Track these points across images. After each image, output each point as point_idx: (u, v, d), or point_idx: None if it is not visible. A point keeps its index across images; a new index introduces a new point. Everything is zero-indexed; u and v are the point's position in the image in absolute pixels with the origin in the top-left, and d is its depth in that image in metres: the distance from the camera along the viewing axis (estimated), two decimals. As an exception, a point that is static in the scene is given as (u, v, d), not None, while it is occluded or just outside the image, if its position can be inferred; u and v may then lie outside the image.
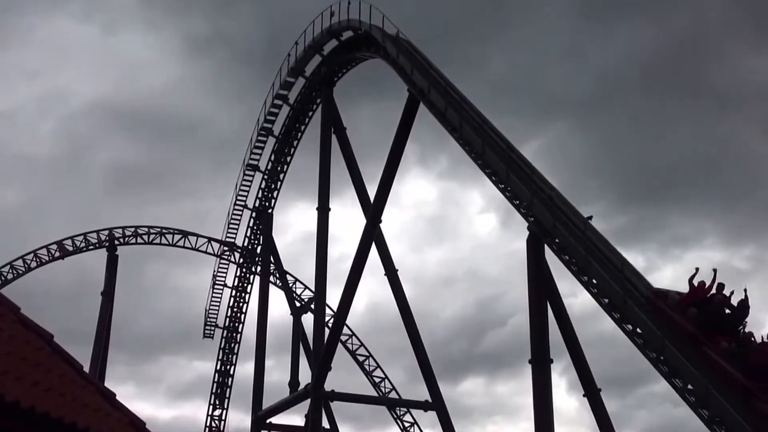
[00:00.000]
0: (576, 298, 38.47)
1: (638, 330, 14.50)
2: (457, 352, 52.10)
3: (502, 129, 20.38)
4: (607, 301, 15.32)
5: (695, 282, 14.50)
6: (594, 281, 15.63)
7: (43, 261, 34.94)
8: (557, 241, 16.57)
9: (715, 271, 14.21)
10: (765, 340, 13.55)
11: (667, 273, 50.89)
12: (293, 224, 57.21)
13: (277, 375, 38.85)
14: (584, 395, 17.72)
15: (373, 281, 26.33)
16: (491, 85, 49.53)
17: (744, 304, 13.96)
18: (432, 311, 53.08)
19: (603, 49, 49.99)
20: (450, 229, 59.85)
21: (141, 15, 58.85)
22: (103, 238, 35.19)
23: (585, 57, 51.44)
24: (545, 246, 17.01)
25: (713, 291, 14.23)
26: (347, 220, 49.04)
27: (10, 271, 34.54)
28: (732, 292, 14.19)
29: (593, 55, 50.70)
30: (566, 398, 48.23)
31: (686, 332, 13.63)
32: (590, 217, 17.95)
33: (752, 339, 13.60)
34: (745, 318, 13.81)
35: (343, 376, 31.74)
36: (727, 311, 14.10)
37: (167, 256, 48.02)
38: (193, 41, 57.48)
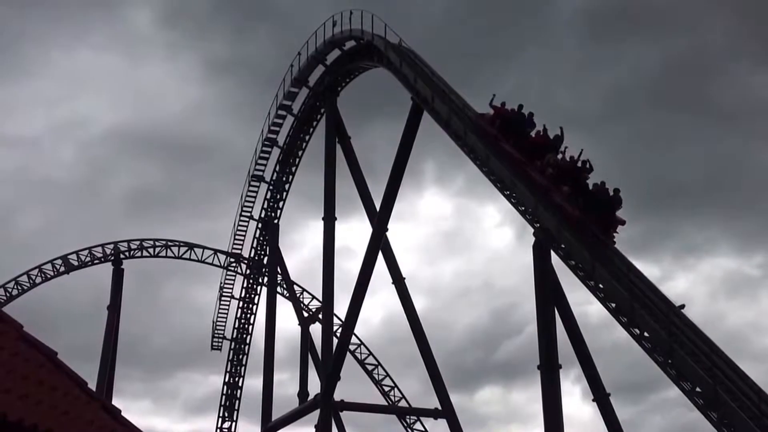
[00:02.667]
0: (591, 305, 38.51)
1: (645, 334, 14.47)
2: (473, 361, 52.51)
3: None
4: (614, 305, 15.27)
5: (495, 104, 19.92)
6: (600, 286, 15.58)
7: (48, 276, 34.87)
8: (563, 246, 16.53)
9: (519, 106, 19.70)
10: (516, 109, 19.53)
11: (681, 283, 51.56)
12: (309, 238, 57.62)
13: (287, 386, 39.01)
14: (594, 400, 17.72)
15: (389, 293, 26.55)
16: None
17: (531, 119, 19.39)
18: (448, 322, 53.55)
19: (611, 68, 50.68)
20: (466, 242, 60.60)
21: (160, 40, 59.77)
22: (108, 252, 35.20)
23: (594, 75, 52.00)
24: (551, 252, 16.98)
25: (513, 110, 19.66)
26: (363, 233, 49.44)
27: (15, 287, 34.53)
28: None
29: (602, 73, 51.28)
30: (580, 405, 48.26)
31: (490, 134, 19.38)
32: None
33: (531, 136, 19.09)
34: (533, 127, 19.24)
35: (352, 385, 31.76)
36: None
37: (183, 272, 48.60)
38: (211, 65, 58.32)
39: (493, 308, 56.89)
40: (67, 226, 55.30)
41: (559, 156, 18.11)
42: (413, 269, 58.42)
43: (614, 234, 17.18)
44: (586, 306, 38.82)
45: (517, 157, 18.45)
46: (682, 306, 15.60)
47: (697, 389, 13.42)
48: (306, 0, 52.25)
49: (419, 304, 26.56)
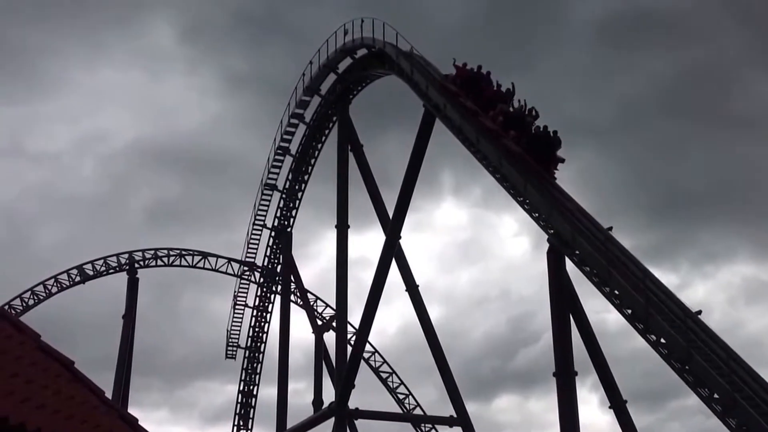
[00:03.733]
0: (609, 313, 38.56)
1: (662, 340, 14.36)
2: (490, 369, 52.57)
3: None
4: (630, 311, 15.17)
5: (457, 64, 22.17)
6: (616, 292, 15.49)
7: (64, 286, 35.13)
8: (577, 252, 16.45)
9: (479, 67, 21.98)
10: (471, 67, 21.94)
11: (699, 290, 51.51)
12: (325, 248, 57.88)
13: (301, 394, 39.09)
14: (610, 407, 17.60)
15: (405, 302, 26.63)
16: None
17: (488, 77, 21.59)
18: (466, 330, 53.72)
19: (625, 77, 50.64)
20: (483, 252, 60.93)
21: (180, 55, 60.68)
22: (123, 261, 35.41)
23: (607, 84, 51.96)
24: (566, 258, 16.90)
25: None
26: (380, 244, 49.73)
27: (32, 296, 34.77)
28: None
29: (615, 82, 51.26)
30: (598, 413, 48.13)
31: (452, 92, 21.28)
32: (610, 228, 17.83)
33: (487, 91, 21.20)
34: (489, 84, 21.39)
35: (367, 394, 31.72)
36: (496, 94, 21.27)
37: (199, 281, 48.94)
38: (230, 79, 58.97)
39: (510, 316, 57.07)
40: (88, 239, 56.09)
41: (511, 109, 20.51)
42: (431, 279, 58.66)
43: (555, 170, 19.42)
44: (603, 314, 38.75)
45: (473, 109, 20.53)
46: (699, 312, 15.50)
47: (715, 395, 13.31)
48: (322, 12, 52.55)
49: (437, 312, 26.78)
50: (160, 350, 50.18)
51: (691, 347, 13.81)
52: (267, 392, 35.26)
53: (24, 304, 34.48)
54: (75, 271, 35.16)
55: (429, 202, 56.08)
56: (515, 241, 60.63)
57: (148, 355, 39.89)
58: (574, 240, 16.34)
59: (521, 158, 18.81)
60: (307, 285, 33.62)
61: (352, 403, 24.63)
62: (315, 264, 55.91)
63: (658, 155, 50.71)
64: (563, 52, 52.27)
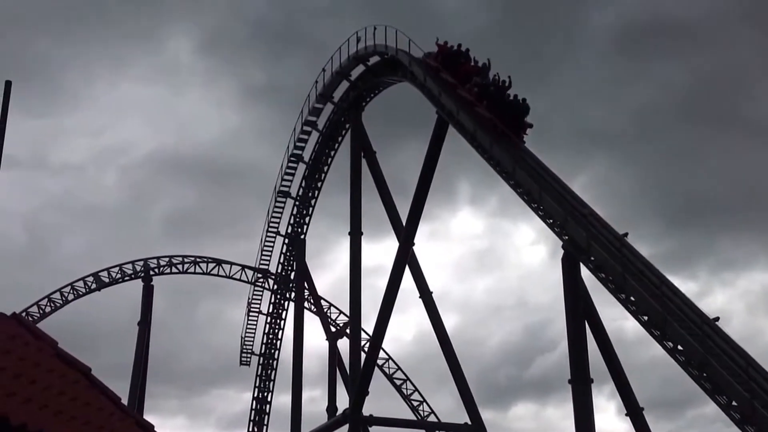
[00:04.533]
0: (626, 320, 38.50)
1: (679, 347, 14.25)
2: (506, 377, 52.62)
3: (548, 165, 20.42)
4: (646, 318, 15.07)
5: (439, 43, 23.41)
6: (632, 298, 15.39)
7: (80, 293, 35.33)
8: (593, 259, 16.35)
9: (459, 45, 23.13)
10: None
11: (719, 298, 51.23)
12: (342, 257, 58.15)
13: (317, 401, 39.09)
14: (626, 414, 17.49)
15: (422, 310, 26.61)
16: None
17: (467, 54, 22.77)
18: (482, 338, 53.82)
19: (640, 84, 50.60)
20: (500, 260, 61.10)
21: (199, 68, 61.58)
22: (138, 268, 35.54)
23: (623, 92, 51.91)
24: (581, 264, 16.81)
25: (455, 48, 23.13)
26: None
27: (48, 304, 34.98)
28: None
29: (631, 90, 51.15)
30: (615, 421, 47.96)
31: (433, 67, 22.71)
32: (626, 234, 17.73)
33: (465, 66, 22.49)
34: (467, 61, 22.57)
35: (381, 400, 31.71)
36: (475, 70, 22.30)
37: (216, 289, 49.32)
38: (247, 91, 59.48)
39: (526, 324, 57.12)
40: (108, 248, 56.83)
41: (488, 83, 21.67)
42: (448, 287, 58.75)
43: (524, 135, 20.76)
44: (620, 321, 38.61)
45: (451, 82, 21.99)
46: (717, 319, 15.37)
47: (734, 403, 13.18)
48: (340, 22, 52.75)
49: (454, 320, 26.86)
50: (176, 357, 50.54)
51: (708, 354, 13.70)
52: (281, 399, 35.32)
53: (41, 312, 34.75)
54: (91, 279, 35.38)
55: (446, 211, 56.30)
56: (532, 249, 60.70)
57: (163, 361, 40.24)
58: (590, 246, 16.25)
59: (493, 124, 20.13)
60: (320, 292, 33.72)
61: (366, 410, 24.60)
62: (329, 271, 56.25)
63: (674, 162, 50.67)
64: (580, 60, 52.32)
